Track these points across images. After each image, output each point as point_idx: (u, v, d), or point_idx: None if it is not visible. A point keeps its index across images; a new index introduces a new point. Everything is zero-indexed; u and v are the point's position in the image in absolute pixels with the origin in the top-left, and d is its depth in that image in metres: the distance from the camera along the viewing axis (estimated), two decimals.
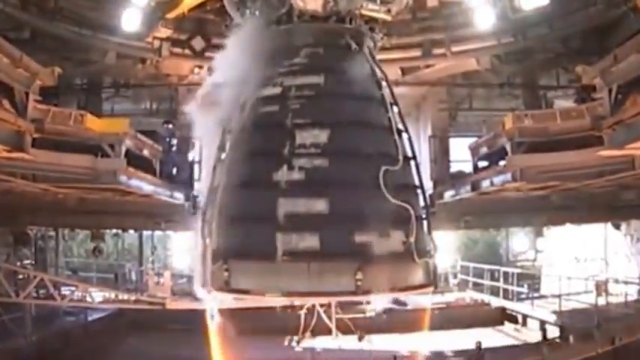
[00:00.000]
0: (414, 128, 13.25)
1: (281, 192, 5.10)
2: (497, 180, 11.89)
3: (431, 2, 13.71)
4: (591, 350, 10.96)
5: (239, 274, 5.11)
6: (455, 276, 20.91)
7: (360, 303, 6.24)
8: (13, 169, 9.75)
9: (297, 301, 5.89)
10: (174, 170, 14.08)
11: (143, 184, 12.03)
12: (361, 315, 7.13)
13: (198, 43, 13.70)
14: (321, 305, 5.78)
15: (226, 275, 5.09)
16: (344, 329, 6.19)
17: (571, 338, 13.02)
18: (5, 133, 8.02)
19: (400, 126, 5.73)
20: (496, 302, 17.44)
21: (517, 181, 11.15)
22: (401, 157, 5.41)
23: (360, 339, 6.16)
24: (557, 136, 10.82)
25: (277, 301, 5.85)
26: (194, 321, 7.84)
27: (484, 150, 13.08)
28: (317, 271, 4.92)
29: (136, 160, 11.65)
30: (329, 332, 6.02)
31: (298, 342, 6.41)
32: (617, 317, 12.70)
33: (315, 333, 6.18)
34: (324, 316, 5.88)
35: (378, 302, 5.99)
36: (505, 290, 17.77)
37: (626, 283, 14.56)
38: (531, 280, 19.77)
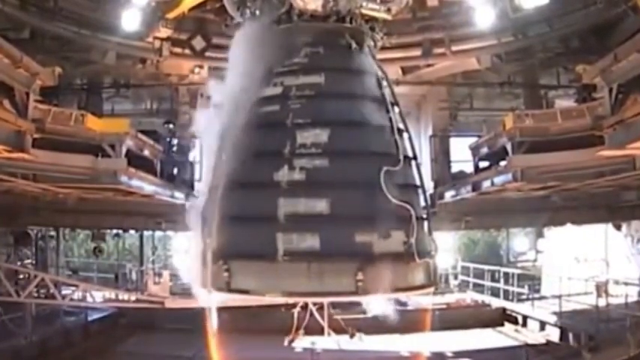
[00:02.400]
0: (414, 128, 13.25)
1: (281, 192, 5.09)
2: (498, 180, 11.89)
3: (431, 1, 13.72)
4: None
5: (239, 274, 5.10)
6: (455, 277, 20.90)
7: (359, 303, 6.20)
8: (13, 169, 9.75)
9: (297, 302, 5.88)
10: (175, 170, 14.08)
11: (144, 184, 12.04)
12: (361, 315, 7.10)
13: (198, 42, 13.71)
14: (315, 304, 5.76)
15: (226, 275, 5.08)
16: (343, 329, 6.18)
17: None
18: (6, 133, 8.01)
19: (401, 125, 5.72)
20: (496, 303, 17.43)
21: (518, 181, 11.14)
22: (401, 157, 5.40)
23: (352, 336, 6.14)
24: (557, 136, 10.81)
25: (277, 301, 5.83)
26: (194, 321, 7.83)
27: (485, 150, 13.07)
28: (317, 272, 4.91)
29: (136, 160, 11.65)
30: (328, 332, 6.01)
31: (291, 341, 6.39)
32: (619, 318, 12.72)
33: (313, 333, 6.16)
34: (317, 315, 5.87)
35: (373, 304, 5.96)
36: (505, 291, 17.76)
37: (626, 284, 14.53)
38: (532, 280, 19.75)
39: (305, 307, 5.83)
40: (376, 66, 5.97)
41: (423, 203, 5.59)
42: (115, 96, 16.06)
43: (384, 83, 5.89)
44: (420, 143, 14.64)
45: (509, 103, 15.98)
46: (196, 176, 14.16)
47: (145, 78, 15.15)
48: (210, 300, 5.31)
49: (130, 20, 12.51)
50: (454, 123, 16.64)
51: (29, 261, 17.29)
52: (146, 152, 12.41)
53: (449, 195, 14.47)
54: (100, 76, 15.08)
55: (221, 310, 5.48)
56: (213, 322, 5.42)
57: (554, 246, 20.55)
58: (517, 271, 18.39)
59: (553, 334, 14.29)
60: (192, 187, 14.01)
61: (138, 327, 15.21)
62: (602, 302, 13.52)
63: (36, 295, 14.66)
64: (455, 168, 15.45)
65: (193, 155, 14.22)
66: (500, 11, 12.88)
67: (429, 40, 14.18)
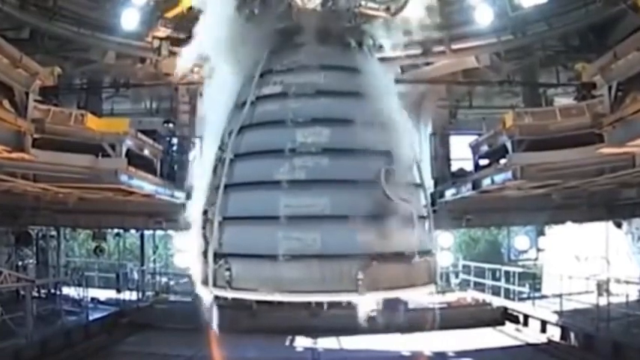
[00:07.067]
0: (414, 126, 13.24)
1: (282, 191, 5.09)
2: (498, 178, 11.88)
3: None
4: None
5: (240, 273, 5.11)
6: (456, 275, 20.87)
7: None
8: (13, 169, 9.76)
9: (298, 301, 5.88)
10: (175, 169, 14.09)
11: (144, 184, 12.04)
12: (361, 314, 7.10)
13: None
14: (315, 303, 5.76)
15: (228, 275, 5.08)
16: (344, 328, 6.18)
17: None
18: (6, 133, 8.02)
19: (401, 124, 5.71)
20: (497, 302, 17.41)
21: (518, 179, 11.15)
22: (402, 156, 5.40)
23: None
24: (557, 134, 10.81)
25: (278, 300, 5.83)
26: (194, 321, 7.84)
27: (485, 148, 13.07)
28: (318, 271, 4.91)
29: (136, 160, 11.65)
30: (329, 331, 6.02)
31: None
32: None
33: (314, 332, 6.17)
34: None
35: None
36: (506, 290, 17.74)
37: (627, 282, 14.50)
38: (533, 279, 19.70)
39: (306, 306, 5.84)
40: (376, 64, 5.97)
41: (423, 202, 5.59)
42: (114, 95, 16.07)
43: (385, 81, 5.89)
44: (420, 141, 14.64)
45: (508, 101, 15.99)
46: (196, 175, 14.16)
47: (145, 77, 15.15)
48: (211, 300, 5.31)
49: (129, 20, 12.52)
50: (454, 121, 16.63)
51: (31, 260, 17.30)
52: (146, 152, 12.42)
53: (449, 193, 14.46)
54: (99, 76, 15.09)
55: (221, 309, 5.47)
56: (213, 322, 5.42)
57: (555, 244, 20.52)
58: (518, 270, 18.33)
59: (554, 333, 14.25)
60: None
61: (138, 326, 15.21)
62: (602, 301, 13.48)
63: (37, 294, 14.70)
64: (455, 166, 15.45)
65: (194, 154, 14.22)
66: (500, 10, 12.90)
67: (429, 38, 14.17)
